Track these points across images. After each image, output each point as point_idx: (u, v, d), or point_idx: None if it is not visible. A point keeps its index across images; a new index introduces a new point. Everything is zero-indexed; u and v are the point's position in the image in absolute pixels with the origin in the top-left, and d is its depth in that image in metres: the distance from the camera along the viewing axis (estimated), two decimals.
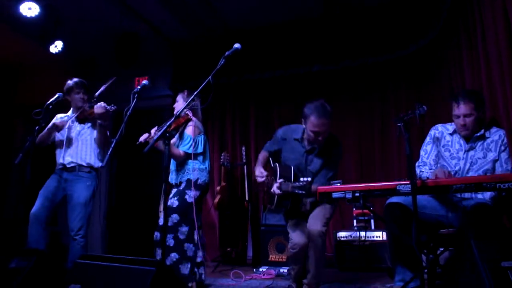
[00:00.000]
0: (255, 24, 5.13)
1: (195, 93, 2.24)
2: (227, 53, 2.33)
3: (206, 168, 3.27)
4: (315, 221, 2.72)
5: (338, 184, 2.34)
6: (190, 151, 3.15)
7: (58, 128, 3.28)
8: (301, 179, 2.47)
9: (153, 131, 3.17)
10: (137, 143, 3.18)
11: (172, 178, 3.27)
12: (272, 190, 2.70)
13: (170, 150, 2.99)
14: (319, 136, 2.70)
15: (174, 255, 2.99)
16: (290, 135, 2.94)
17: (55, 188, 3.20)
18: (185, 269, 3.03)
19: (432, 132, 2.80)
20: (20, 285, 1.56)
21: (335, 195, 2.28)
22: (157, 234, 3.09)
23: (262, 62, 5.18)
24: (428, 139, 2.81)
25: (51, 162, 3.37)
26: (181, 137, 3.25)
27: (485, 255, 1.36)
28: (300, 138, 2.87)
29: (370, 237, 4.02)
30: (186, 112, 3.10)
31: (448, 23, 3.86)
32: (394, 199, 2.49)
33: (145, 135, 3.18)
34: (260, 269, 4.03)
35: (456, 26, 3.64)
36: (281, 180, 2.64)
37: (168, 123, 2.13)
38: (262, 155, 3.09)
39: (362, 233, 4.03)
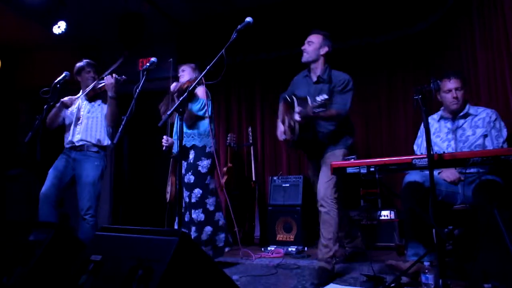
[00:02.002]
0: (261, 2, 5.05)
1: (208, 67, 2.21)
2: (239, 26, 2.29)
3: (212, 131, 3.23)
4: (321, 186, 2.79)
5: (352, 159, 2.32)
6: (203, 114, 3.15)
7: (66, 105, 3.30)
8: (318, 98, 2.47)
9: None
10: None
11: (175, 147, 3.24)
12: (294, 119, 2.73)
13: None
14: (305, 46, 2.97)
15: (208, 229, 3.05)
16: (300, 76, 3.11)
17: (64, 167, 3.21)
18: (220, 241, 3.11)
19: (421, 127, 2.89)
20: (41, 257, 1.57)
21: (349, 170, 2.27)
22: (187, 214, 3.11)
23: (268, 41, 5.12)
24: (419, 133, 2.95)
25: (60, 142, 3.37)
26: (191, 98, 3.16)
27: (508, 224, 1.36)
28: (307, 73, 3.03)
29: (378, 215, 4.03)
30: (193, 78, 3.13)
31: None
32: (413, 177, 2.50)
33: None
34: (269, 248, 4.06)
35: (468, 2, 3.57)
36: (300, 108, 2.65)
37: (182, 98, 2.10)
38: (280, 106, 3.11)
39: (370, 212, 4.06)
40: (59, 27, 4.81)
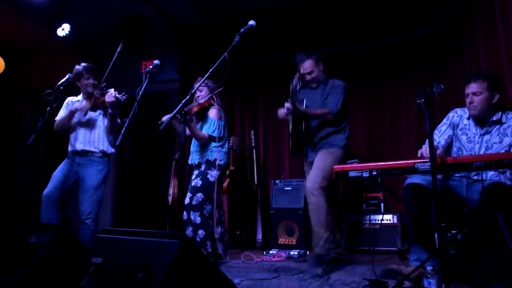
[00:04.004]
0: (265, 6, 5.07)
1: (211, 70, 2.22)
2: (242, 30, 2.30)
3: (224, 150, 3.44)
4: (311, 177, 3.11)
5: (355, 163, 2.31)
6: (215, 134, 3.34)
7: (85, 112, 3.23)
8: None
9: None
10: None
11: (192, 158, 3.43)
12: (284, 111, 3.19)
13: (195, 133, 3.25)
14: (307, 76, 3.35)
15: (201, 232, 3.21)
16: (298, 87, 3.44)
17: (67, 170, 3.19)
18: (209, 247, 3.26)
19: (450, 114, 2.79)
20: (42, 259, 1.56)
21: (351, 173, 2.26)
22: (185, 214, 3.24)
23: (272, 45, 5.12)
24: (445, 120, 2.80)
25: (63, 144, 3.37)
26: (204, 120, 3.38)
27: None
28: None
29: (380, 220, 4.02)
30: (209, 97, 3.24)
31: (462, 3, 3.79)
32: (414, 180, 2.47)
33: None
34: (271, 252, 4.05)
35: (471, 6, 3.57)
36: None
37: (184, 100, 2.11)
38: None
39: (372, 216, 4.05)
40: (63, 30, 4.84)
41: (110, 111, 3.16)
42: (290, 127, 3.38)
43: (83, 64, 3.32)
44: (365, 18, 4.69)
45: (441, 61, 4.37)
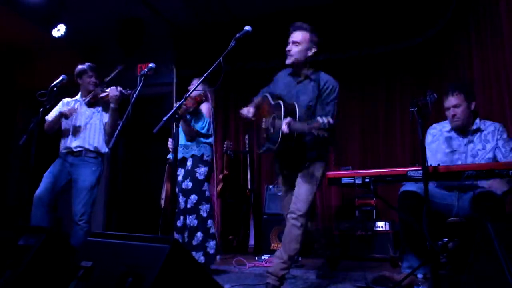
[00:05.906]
0: (262, 11, 5.08)
1: (205, 74, 2.22)
2: (238, 35, 2.30)
3: (210, 143, 3.34)
4: (300, 200, 2.48)
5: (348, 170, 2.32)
6: (204, 131, 3.25)
7: (66, 116, 3.25)
8: (319, 118, 2.10)
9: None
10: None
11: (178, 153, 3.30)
12: (275, 126, 2.47)
13: (189, 128, 3.14)
14: (293, 48, 2.60)
15: (199, 235, 3.10)
16: (284, 73, 2.79)
17: (59, 171, 3.17)
18: (211, 248, 3.12)
19: (431, 131, 2.83)
20: (30, 262, 1.55)
21: (344, 180, 2.27)
22: (182, 218, 3.16)
23: (268, 50, 5.12)
24: (430, 138, 2.80)
25: (55, 145, 3.34)
26: (196, 115, 3.28)
27: (501, 237, 1.36)
28: (292, 71, 2.69)
29: (373, 227, 4.03)
30: (202, 93, 3.18)
31: (457, 13, 3.84)
32: (409, 187, 2.49)
33: None
34: (263, 257, 4.03)
35: (465, 17, 3.62)
36: (290, 118, 2.35)
37: (179, 104, 2.11)
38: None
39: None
40: (59, 30, 4.82)
41: (112, 106, 3.21)
42: (281, 135, 2.44)
43: (86, 63, 3.42)
44: (363, 25, 4.72)
45: (436, 70, 4.41)
